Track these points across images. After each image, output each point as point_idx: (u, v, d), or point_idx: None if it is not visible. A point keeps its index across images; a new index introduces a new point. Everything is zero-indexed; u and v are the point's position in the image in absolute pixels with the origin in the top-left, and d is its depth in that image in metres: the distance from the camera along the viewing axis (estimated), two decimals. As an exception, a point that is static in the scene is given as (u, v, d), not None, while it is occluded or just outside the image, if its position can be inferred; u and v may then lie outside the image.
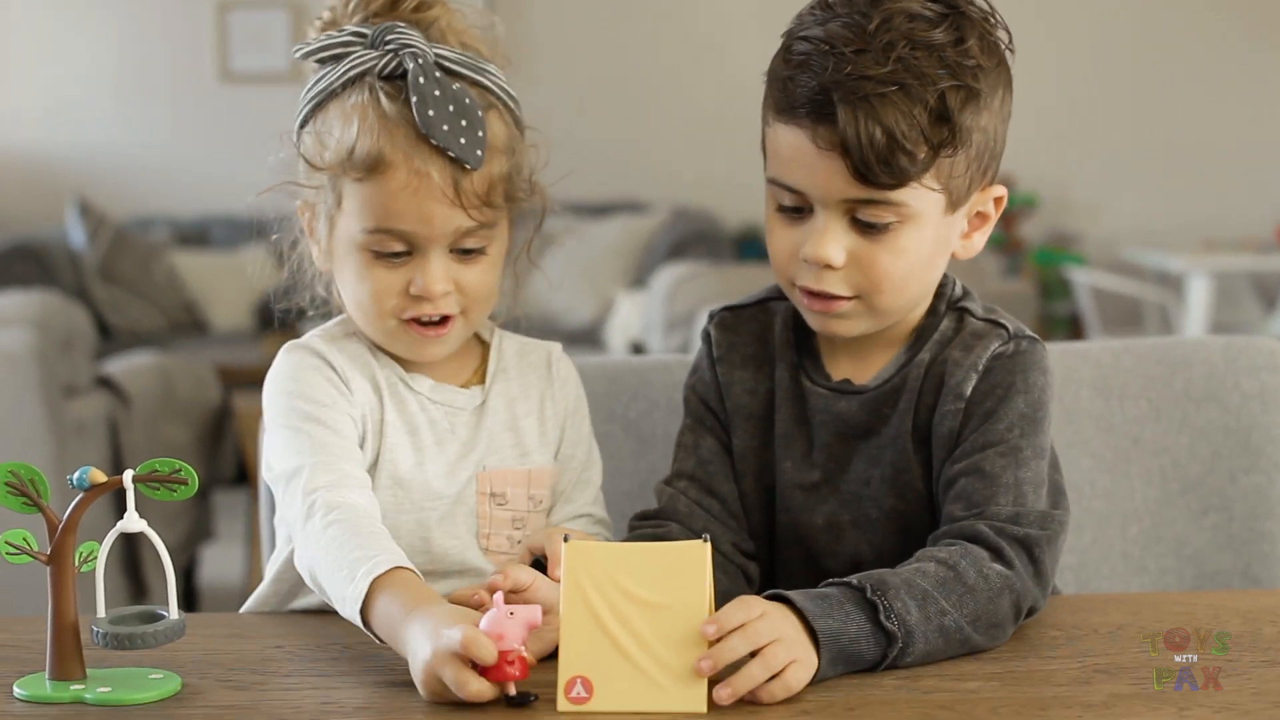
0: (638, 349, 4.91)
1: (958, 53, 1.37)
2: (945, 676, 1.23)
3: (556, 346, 1.61)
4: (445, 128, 1.41)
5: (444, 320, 1.47)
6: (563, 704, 1.17)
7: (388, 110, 1.42)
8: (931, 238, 1.41)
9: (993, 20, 1.42)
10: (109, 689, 1.24)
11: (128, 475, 1.25)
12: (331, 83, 1.45)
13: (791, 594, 1.25)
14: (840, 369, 1.51)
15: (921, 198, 1.38)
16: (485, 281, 1.48)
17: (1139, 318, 6.36)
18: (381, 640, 1.27)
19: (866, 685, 1.22)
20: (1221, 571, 1.79)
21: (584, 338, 5.83)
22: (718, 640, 1.18)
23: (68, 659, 1.26)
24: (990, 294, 1.49)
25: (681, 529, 1.49)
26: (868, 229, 1.39)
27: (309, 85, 1.49)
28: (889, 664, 1.26)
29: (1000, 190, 1.47)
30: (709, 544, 1.18)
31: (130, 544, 3.64)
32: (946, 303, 1.50)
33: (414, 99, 1.41)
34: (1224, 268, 5.96)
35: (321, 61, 1.47)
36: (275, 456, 1.46)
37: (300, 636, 1.40)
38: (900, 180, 1.36)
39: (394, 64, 1.43)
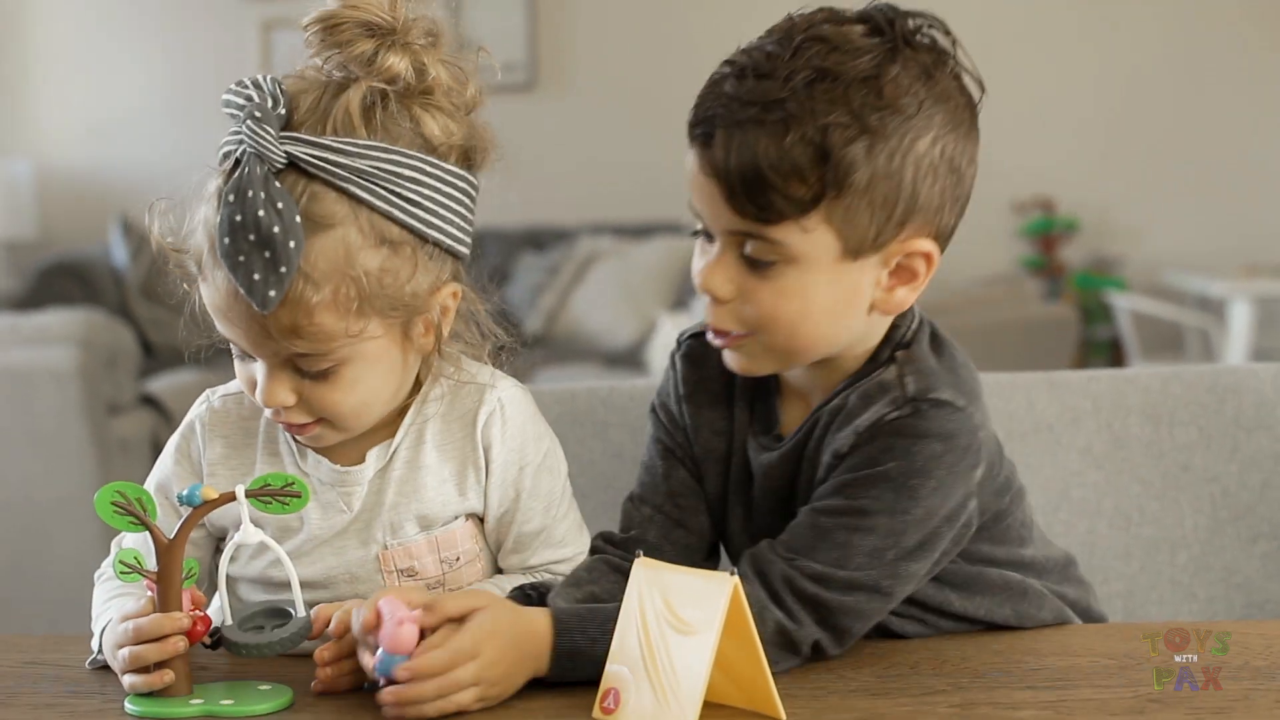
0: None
1: (868, 87, 1.24)
2: (999, 705, 1.22)
3: (496, 394, 1.42)
4: (241, 258, 1.23)
5: (304, 425, 1.34)
6: (595, 711, 1.20)
7: (208, 217, 1.28)
8: (826, 284, 1.29)
9: (948, 58, 1.30)
10: (231, 702, 1.24)
11: (240, 489, 1.25)
12: (219, 146, 1.29)
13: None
14: (787, 415, 1.42)
15: (806, 241, 1.27)
16: (344, 400, 1.32)
17: (1180, 343, 6.33)
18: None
19: (921, 710, 1.21)
20: (1271, 600, 1.78)
21: (625, 359, 5.84)
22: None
23: (180, 678, 1.26)
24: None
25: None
26: (754, 265, 1.29)
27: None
28: None
29: (927, 245, 1.31)
30: (736, 580, 1.15)
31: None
32: (891, 348, 1.36)
33: (218, 218, 1.24)
34: (1266, 293, 5.92)
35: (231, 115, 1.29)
36: None
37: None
38: (771, 216, 1.26)
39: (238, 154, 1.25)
